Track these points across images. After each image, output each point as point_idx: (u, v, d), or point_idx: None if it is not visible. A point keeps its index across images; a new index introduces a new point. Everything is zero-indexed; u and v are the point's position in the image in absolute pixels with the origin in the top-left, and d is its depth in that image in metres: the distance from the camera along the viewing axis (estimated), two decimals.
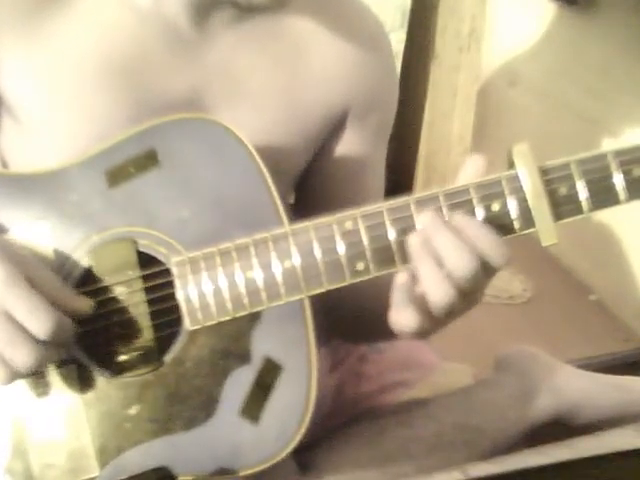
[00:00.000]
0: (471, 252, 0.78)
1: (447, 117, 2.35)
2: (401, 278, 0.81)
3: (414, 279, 0.81)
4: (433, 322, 0.83)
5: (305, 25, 0.98)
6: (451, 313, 0.82)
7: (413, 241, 0.80)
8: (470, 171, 0.82)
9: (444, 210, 0.80)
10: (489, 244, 0.79)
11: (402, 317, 0.83)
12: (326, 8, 0.99)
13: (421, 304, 0.81)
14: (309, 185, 1.07)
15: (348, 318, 1.04)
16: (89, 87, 0.92)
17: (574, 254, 2.12)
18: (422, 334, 0.85)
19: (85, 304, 0.83)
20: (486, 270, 0.79)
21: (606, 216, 1.96)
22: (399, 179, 2.34)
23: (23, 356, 0.77)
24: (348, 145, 1.04)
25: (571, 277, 2.18)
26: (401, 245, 0.81)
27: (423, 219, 0.80)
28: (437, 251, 0.79)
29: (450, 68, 2.32)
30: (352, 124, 1.03)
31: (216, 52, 0.94)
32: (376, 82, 1.02)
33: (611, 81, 2.05)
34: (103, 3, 0.92)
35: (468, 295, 0.80)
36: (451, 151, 2.37)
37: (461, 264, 0.78)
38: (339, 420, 1.12)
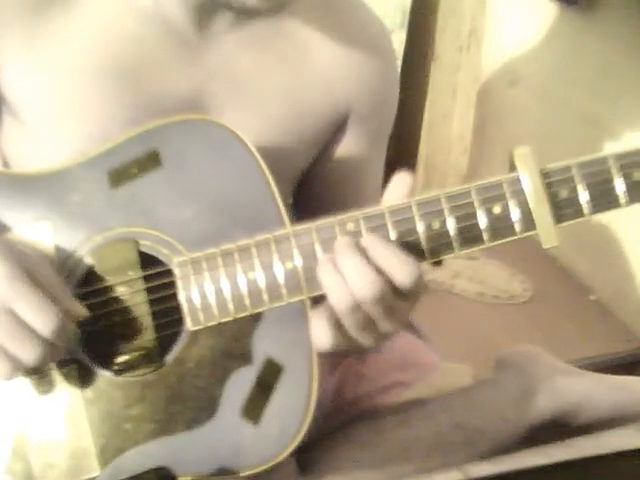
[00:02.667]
0: (373, 272, 0.78)
1: (447, 117, 2.35)
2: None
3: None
4: (351, 341, 0.83)
5: (307, 28, 0.98)
6: (371, 333, 0.82)
7: (319, 262, 0.80)
8: (396, 189, 0.82)
9: (446, 212, 0.81)
10: (395, 263, 0.78)
11: (316, 332, 0.83)
12: (328, 11, 0.99)
13: (334, 322, 0.81)
14: (309, 186, 1.08)
15: None
16: (91, 88, 0.92)
17: (574, 254, 2.12)
18: (341, 352, 0.85)
19: (80, 310, 0.83)
20: (396, 291, 0.79)
21: (606, 216, 1.95)
22: None
23: (28, 352, 0.77)
24: (348, 147, 1.05)
25: (571, 277, 2.18)
26: (402, 247, 0.81)
27: (336, 243, 0.81)
28: (340, 270, 0.79)
29: (450, 68, 2.32)
30: (353, 126, 1.03)
31: (218, 54, 0.95)
32: (378, 84, 1.03)
33: (611, 81, 2.05)
34: (105, 5, 0.92)
35: (385, 316, 0.81)
36: (451, 151, 2.37)
37: (363, 284, 0.78)
38: (339, 420, 1.12)
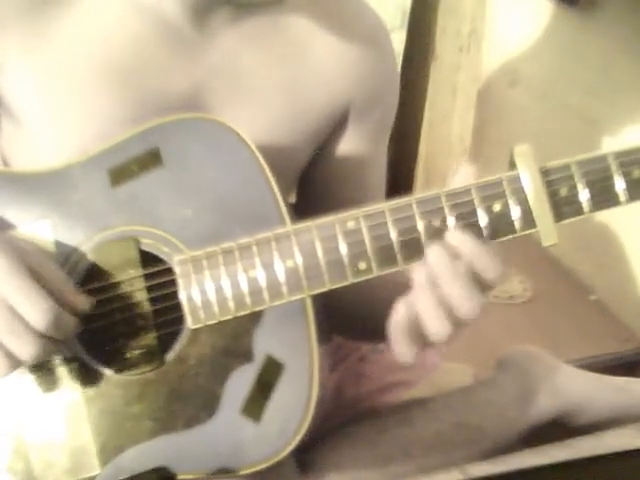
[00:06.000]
0: (477, 289, 0.79)
1: (447, 117, 2.35)
2: (397, 316, 0.82)
3: (411, 315, 0.81)
4: (429, 345, 0.84)
5: (305, 22, 0.98)
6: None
7: (419, 277, 0.81)
8: (461, 180, 0.82)
9: (446, 210, 0.81)
10: (490, 265, 0.80)
11: (400, 350, 0.83)
12: (325, 5, 0.99)
13: (418, 334, 0.82)
14: (311, 183, 1.07)
15: (350, 319, 1.04)
16: (90, 87, 0.92)
17: (574, 254, 2.12)
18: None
19: (85, 301, 0.83)
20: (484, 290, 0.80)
21: (606, 216, 1.96)
22: (399, 179, 2.34)
23: (24, 346, 0.77)
24: (350, 142, 1.04)
25: (571, 277, 2.18)
26: (403, 245, 0.81)
27: (431, 255, 0.80)
28: (441, 288, 0.79)
29: (450, 68, 2.32)
30: (354, 121, 1.03)
31: (217, 51, 0.95)
32: (377, 78, 1.02)
33: (611, 81, 2.05)
34: (104, 3, 0.92)
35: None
36: (451, 151, 2.37)
37: (468, 305, 0.79)
38: (339, 420, 1.12)
